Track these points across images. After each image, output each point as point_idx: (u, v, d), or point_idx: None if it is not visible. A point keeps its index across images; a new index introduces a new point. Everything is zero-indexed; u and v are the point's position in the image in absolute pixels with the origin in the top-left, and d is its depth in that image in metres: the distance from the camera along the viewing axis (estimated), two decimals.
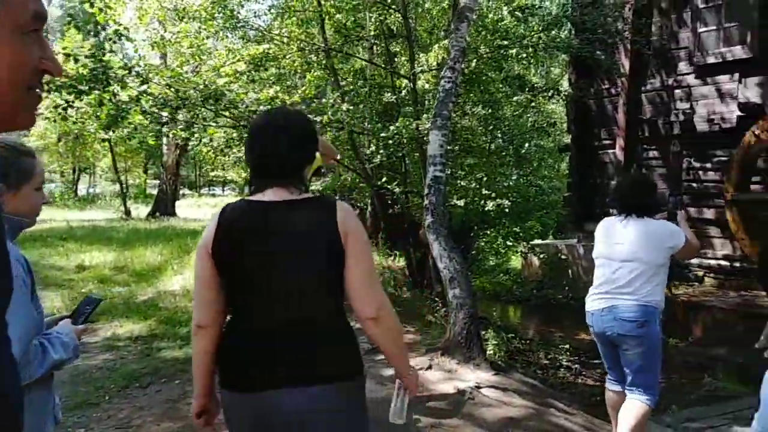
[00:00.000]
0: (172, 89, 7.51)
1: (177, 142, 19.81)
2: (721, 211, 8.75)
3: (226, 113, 7.88)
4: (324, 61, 8.94)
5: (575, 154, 11.09)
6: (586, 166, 10.99)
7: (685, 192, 9.47)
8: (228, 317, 1.92)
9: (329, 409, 1.76)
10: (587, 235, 10.97)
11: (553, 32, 7.67)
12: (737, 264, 8.79)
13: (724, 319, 7.37)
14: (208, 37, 8.90)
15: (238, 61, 8.56)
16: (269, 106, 7.36)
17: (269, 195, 1.83)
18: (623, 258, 3.46)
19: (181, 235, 13.39)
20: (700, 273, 9.23)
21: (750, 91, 8.64)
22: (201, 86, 7.56)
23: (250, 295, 1.82)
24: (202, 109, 7.84)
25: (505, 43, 7.47)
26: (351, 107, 7.87)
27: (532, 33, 7.63)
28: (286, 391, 1.75)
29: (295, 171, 1.88)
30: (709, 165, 9.20)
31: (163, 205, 22.95)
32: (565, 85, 10.44)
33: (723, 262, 8.99)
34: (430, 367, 4.91)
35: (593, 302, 3.62)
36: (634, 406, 3.45)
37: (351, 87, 9.09)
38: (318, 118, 7.60)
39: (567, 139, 11.74)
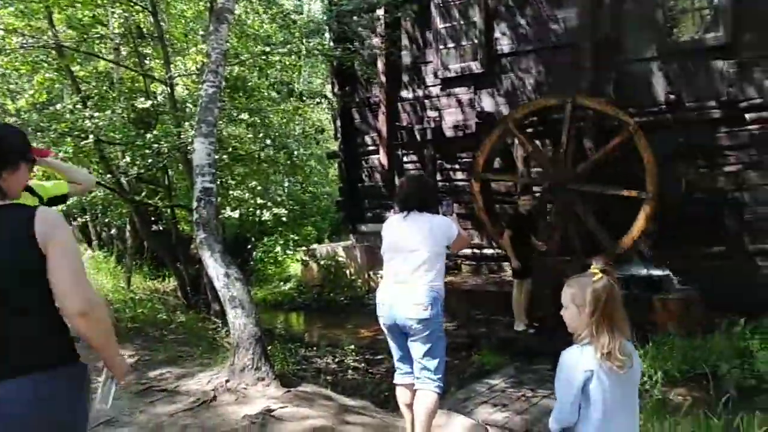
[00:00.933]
0: None
1: None
2: (470, 206, 9.91)
3: None
4: (57, 61, 7.63)
5: (344, 161, 11.50)
6: (355, 172, 11.48)
7: (440, 190, 10.51)
8: None
9: (28, 400, 1.84)
10: (361, 236, 11.48)
11: (316, 40, 7.78)
12: (487, 251, 10.06)
13: (481, 299, 8.34)
14: None
15: None
16: None
17: None
18: (410, 249, 3.68)
19: None
20: (459, 262, 10.33)
21: (484, 101, 9.98)
22: None
23: None
24: None
25: (268, 48, 7.31)
26: (96, 114, 6.83)
27: (295, 40, 7.63)
28: None
29: None
30: (457, 166, 10.36)
31: None
32: (328, 93, 10.73)
33: (475, 251, 10.20)
34: (214, 398, 4.44)
35: (385, 293, 3.77)
36: (425, 397, 3.61)
37: (95, 91, 7.93)
38: (54, 126, 6.42)
39: (335, 146, 12.10)
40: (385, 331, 3.84)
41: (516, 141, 9.22)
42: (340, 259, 11.27)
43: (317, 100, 8.29)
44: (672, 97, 8.41)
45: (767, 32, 7.99)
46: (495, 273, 9.92)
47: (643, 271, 7.83)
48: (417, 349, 3.65)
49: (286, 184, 10.46)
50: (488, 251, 10.02)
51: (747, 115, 8.18)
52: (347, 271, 11.12)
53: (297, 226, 9.85)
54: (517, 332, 7.09)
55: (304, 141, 9.68)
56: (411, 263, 3.64)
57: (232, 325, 4.89)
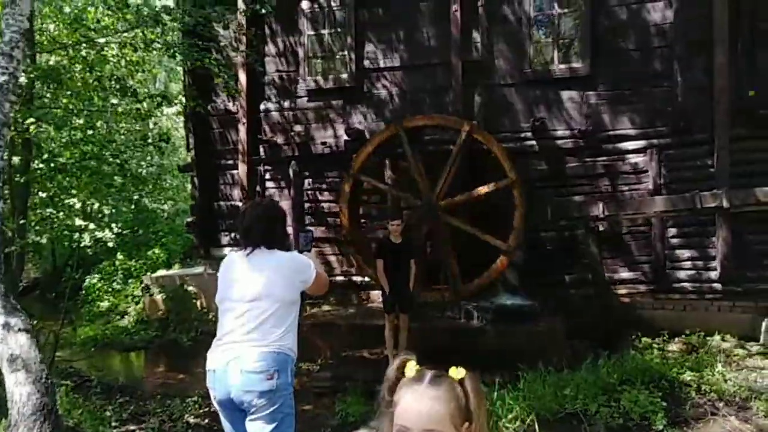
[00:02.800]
0: None
1: None
2: (336, 229, 9.19)
3: None
4: None
5: (198, 175, 10.20)
6: (211, 188, 10.23)
7: (306, 212, 9.67)
8: None
9: None
10: (216, 262, 10.21)
11: (157, 30, 6.59)
12: (356, 278, 9.36)
13: (347, 334, 7.59)
14: None
15: None
16: None
17: None
18: (251, 298, 2.84)
19: None
20: None
21: (354, 118, 9.38)
22: None
23: None
24: None
25: (94, 35, 6.00)
26: None
27: (131, 27, 6.39)
28: None
29: None
30: (324, 186, 9.60)
31: None
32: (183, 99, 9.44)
33: (341, 278, 9.47)
34: None
35: (215, 357, 2.85)
36: None
37: None
38: None
39: (189, 157, 10.74)
40: (217, 407, 2.91)
41: (387, 164, 8.71)
42: (189, 288, 9.92)
43: (160, 103, 7.03)
44: (537, 123, 8.45)
45: (623, 66, 8.35)
46: (366, 303, 9.26)
47: (509, 301, 7.63)
48: (257, 430, 2.78)
49: (119, 200, 8.88)
50: (357, 278, 9.34)
51: (603, 146, 8.45)
52: (197, 303, 9.81)
53: (137, 250, 8.38)
54: None
55: (145, 150, 8.27)
56: (252, 317, 2.80)
57: (10, 396, 3.60)
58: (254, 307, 2.80)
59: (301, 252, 3.25)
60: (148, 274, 9.81)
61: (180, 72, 12.82)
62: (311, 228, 8.44)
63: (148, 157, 9.05)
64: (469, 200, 8.04)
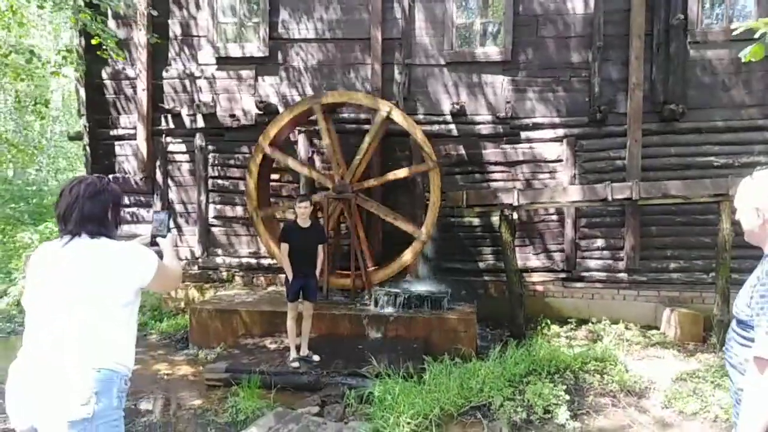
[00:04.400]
0: None
1: None
2: (245, 208, 8.60)
3: None
4: None
5: (90, 144, 9.19)
6: (105, 160, 9.26)
7: (212, 189, 8.98)
8: None
9: None
10: None
11: None
12: (264, 261, 8.82)
13: (249, 321, 7.06)
14: None
15: None
16: None
17: None
18: (65, 301, 2.17)
19: None
20: (230, 272, 8.91)
21: (266, 89, 8.75)
22: None
23: None
24: None
25: None
26: None
27: None
28: None
29: None
30: (232, 161, 8.93)
31: None
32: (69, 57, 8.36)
33: (251, 260, 8.89)
34: None
35: (16, 376, 2.20)
36: None
37: None
38: None
39: (80, 125, 9.66)
40: None
41: (300, 141, 8.19)
42: None
43: (29, 58, 6.06)
44: (457, 107, 8.21)
45: (543, 54, 8.25)
46: (275, 286, 8.74)
47: (420, 288, 7.40)
48: None
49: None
50: (266, 261, 8.80)
51: (522, 133, 8.35)
52: None
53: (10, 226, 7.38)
54: (291, 366, 5.93)
55: (21, 114, 7.25)
56: (65, 325, 2.16)
57: None
58: (69, 312, 2.17)
59: (154, 238, 2.68)
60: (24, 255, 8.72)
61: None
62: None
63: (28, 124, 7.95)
64: (384, 183, 7.71)
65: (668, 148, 8.02)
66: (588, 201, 7.13)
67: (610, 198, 7.00)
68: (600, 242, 8.24)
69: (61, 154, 12.98)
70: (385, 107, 7.38)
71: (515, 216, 7.84)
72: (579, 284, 8.21)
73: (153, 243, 2.65)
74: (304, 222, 6.05)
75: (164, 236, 2.67)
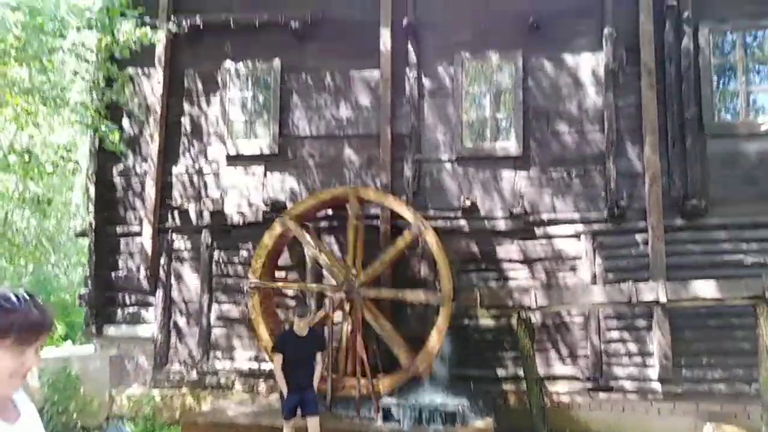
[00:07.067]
0: None
1: None
2: (248, 306, 8.20)
3: None
4: None
5: (95, 241, 9.03)
6: (109, 256, 9.06)
7: (215, 288, 8.65)
8: None
9: None
10: (108, 342, 8.92)
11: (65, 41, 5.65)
12: (266, 365, 8.27)
13: None
14: None
15: None
16: None
17: None
18: None
19: None
20: (230, 379, 8.35)
21: (274, 186, 8.64)
22: None
23: None
24: None
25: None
26: None
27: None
28: None
29: None
30: (237, 259, 8.66)
31: None
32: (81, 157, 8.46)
33: (252, 365, 8.35)
34: None
35: None
36: None
37: None
38: None
39: (87, 221, 9.56)
40: None
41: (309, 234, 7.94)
42: (73, 372, 8.52)
43: (27, 159, 6.03)
44: (468, 203, 7.95)
45: (556, 148, 8.07)
46: (274, 393, 8.13)
47: (433, 400, 6.77)
48: None
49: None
50: (267, 365, 8.24)
51: (536, 229, 8.01)
52: (81, 390, 8.40)
53: None
54: None
55: (33, 210, 7.17)
56: None
57: None
58: None
59: None
60: None
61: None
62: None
63: (32, 221, 7.88)
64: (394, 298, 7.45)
65: (693, 245, 7.57)
66: (612, 302, 6.63)
67: (635, 300, 6.51)
68: (629, 347, 7.59)
69: (79, 251, 12.95)
70: (419, 225, 7.11)
71: (534, 318, 7.33)
72: (607, 395, 7.48)
73: None
74: (302, 330, 5.62)
75: None
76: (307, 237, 7.66)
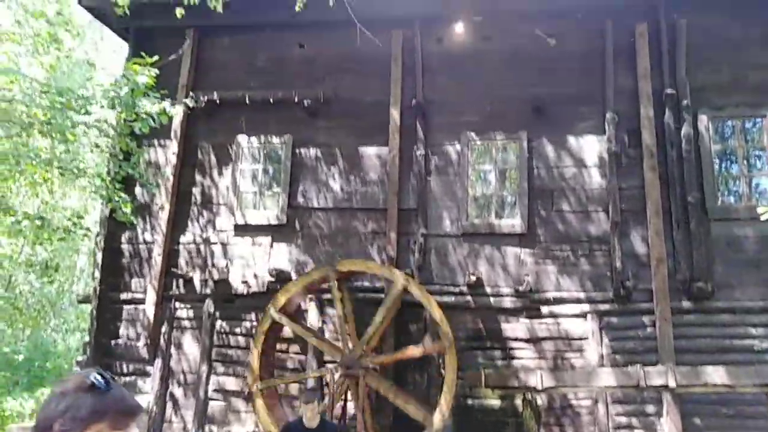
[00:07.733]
0: None
1: None
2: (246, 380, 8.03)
3: None
4: None
5: (97, 307, 8.98)
6: (110, 323, 8.98)
7: (215, 359, 8.51)
8: None
9: None
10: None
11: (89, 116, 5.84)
12: None
13: None
14: None
15: None
16: None
17: None
18: None
19: None
20: None
21: (280, 257, 8.69)
22: None
23: None
24: None
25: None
26: None
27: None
28: None
29: None
30: (239, 329, 8.57)
31: None
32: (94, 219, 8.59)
33: None
34: None
35: None
36: None
37: None
38: None
39: (92, 287, 9.55)
40: None
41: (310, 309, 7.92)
42: None
43: (39, 225, 6.16)
44: (473, 278, 7.95)
45: (561, 227, 8.15)
46: None
47: None
48: None
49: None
50: None
51: (542, 308, 7.95)
52: None
53: (30, 390, 6.92)
54: None
55: (40, 275, 7.20)
56: None
57: None
58: None
59: None
60: (7, 426, 8.11)
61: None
62: None
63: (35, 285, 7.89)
64: (395, 360, 7.24)
65: (701, 328, 7.48)
66: (620, 386, 6.47)
67: (644, 384, 6.35)
68: None
69: (78, 315, 12.84)
70: (401, 280, 7.17)
71: (540, 400, 7.13)
72: None
73: None
74: (311, 421, 5.19)
75: None
76: (296, 327, 7.64)
